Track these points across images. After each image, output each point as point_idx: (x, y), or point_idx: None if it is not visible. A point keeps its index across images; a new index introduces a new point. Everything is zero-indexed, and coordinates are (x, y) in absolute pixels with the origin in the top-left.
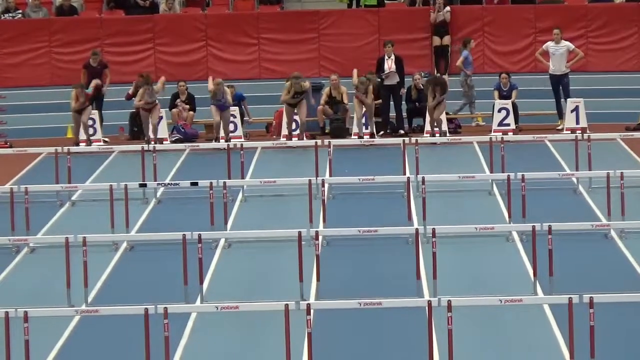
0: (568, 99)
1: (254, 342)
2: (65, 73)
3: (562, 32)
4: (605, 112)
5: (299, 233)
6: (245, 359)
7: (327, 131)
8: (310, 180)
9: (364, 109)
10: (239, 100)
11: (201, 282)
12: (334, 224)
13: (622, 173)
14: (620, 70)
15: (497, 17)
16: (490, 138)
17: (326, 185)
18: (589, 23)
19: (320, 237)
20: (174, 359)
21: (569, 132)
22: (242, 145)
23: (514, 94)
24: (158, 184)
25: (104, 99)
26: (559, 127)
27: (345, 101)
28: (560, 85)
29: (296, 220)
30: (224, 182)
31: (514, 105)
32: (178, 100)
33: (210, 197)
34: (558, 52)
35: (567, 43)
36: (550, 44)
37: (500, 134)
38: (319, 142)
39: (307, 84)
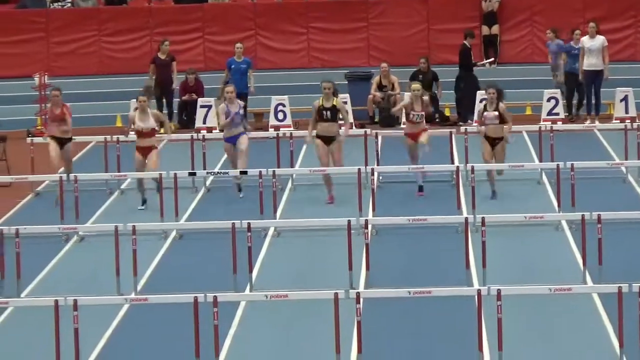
0: (617, 90)
1: (303, 330)
2: (115, 62)
3: (610, 22)
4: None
5: (349, 222)
6: (294, 347)
7: (376, 120)
8: (359, 169)
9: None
10: (247, 66)
11: (250, 271)
12: (383, 213)
13: None
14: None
15: (547, 7)
16: (540, 127)
17: (375, 174)
18: (638, 12)
19: (369, 226)
20: (223, 347)
21: (618, 121)
22: (291, 134)
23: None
24: (207, 173)
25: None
26: (587, 123)
27: (397, 90)
28: (593, 82)
29: (345, 209)
30: (274, 171)
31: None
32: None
33: (259, 186)
34: (594, 46)
35: (602, 37)
36: (585, 38)
37: (550, 123)
38: (368, 131)
39: (339, 101)
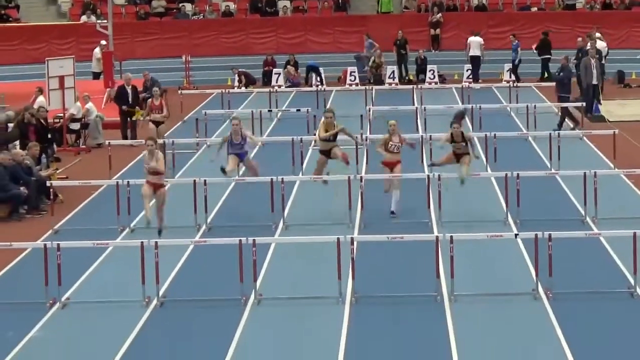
0: (505, 65)
1: (331, 201)
2: (226, 48)
3: (500, 27)
4: (526, 72)
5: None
6: (326, 211)
7: (371, 81)
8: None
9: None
10: (312, 68)
11: (302, 163)
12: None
13: (535, 105)
14: (529, 49)
15: (466, 19)
16: (462, 85)
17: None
18: (515, 22)
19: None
20: (287, 206)
21: (505, 82)
22: (324, 88)
23: (519, 50)
24: (278, 110)
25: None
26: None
27: (383, 64)
28: (473, 62)
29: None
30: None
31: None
32: (288, 66)
33: (307, 118)
34: (474, 42)
35: (479, 38)
36: (470, 37)
37: (467, 83)
38: (368, 87)
39: (339, 126)
